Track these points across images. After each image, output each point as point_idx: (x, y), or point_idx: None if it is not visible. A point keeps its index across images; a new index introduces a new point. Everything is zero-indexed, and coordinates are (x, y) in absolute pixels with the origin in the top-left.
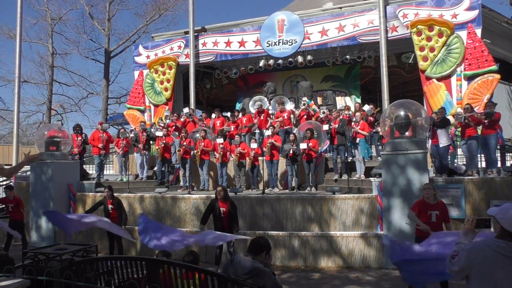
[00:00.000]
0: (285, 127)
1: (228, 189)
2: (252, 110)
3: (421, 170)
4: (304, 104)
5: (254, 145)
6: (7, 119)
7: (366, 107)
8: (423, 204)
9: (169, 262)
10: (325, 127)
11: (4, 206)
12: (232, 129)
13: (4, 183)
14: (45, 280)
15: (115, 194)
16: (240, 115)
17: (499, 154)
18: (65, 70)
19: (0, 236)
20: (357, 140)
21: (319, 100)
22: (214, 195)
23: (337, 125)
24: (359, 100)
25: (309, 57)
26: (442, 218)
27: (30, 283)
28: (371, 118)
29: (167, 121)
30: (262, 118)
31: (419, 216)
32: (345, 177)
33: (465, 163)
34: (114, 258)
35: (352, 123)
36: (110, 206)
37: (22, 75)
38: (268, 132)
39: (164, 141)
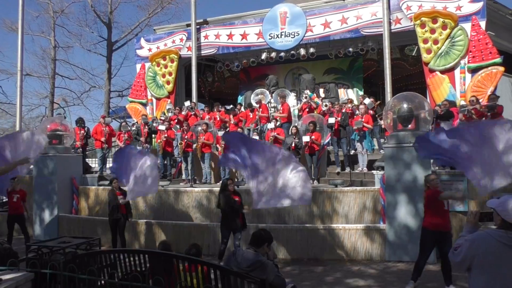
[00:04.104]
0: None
1: None
2: (254, 103)
3: (425, 163)
4: (306, 97)
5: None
6: (9, 113)
7: (367, 100)
8: (436, 193)
9: (172, 255)
10: (331, 119)
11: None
12: (232, 121)
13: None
14: (49, 273)
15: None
16: (243, 109)
17: None
18: (68, 63)
19: (3, 230)
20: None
21: (322, 92)
22: (217, 188)
23: (339, 118)
24: (361, 93)
25: (311, 50)
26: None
27: (34, 276)
28: (371, 111)
29: (169, 114)
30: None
31: (431, 206)
32: (347, 170)
33: None
34: (118, 251)
35: (356, 116)
36: (120, 197)
37: (24, 68)
38: (270, 125)
39: (165, 135)
